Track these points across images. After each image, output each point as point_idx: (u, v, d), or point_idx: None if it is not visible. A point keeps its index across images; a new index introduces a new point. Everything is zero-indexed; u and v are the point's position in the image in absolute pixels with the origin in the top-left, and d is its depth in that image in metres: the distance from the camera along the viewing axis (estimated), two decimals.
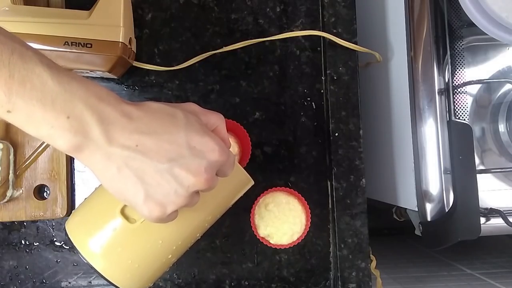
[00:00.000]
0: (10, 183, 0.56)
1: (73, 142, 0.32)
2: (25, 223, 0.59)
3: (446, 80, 0.58)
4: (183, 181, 0.35)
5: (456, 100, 0.58)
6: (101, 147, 0.33)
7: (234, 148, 0.56)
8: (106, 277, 0.40)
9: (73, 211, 0.43)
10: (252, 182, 0.45)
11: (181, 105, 0.38)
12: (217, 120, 0.41)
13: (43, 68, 0.31)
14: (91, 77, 0.59)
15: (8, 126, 0.57)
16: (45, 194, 0.58)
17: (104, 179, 0.34)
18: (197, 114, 0.39)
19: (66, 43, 0.51)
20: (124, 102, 0.35)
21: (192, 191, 0.36)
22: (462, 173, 0.55)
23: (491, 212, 0.56)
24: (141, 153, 0.34)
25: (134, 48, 0.57)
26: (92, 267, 0.39)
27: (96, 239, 0.40)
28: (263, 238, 0.55)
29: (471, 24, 0.53)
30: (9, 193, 0.55)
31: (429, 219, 0.58)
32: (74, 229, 0.41)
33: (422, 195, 0.58)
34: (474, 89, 0.60)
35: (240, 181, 0.45)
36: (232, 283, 0.60)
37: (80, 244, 0.40)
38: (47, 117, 0.31)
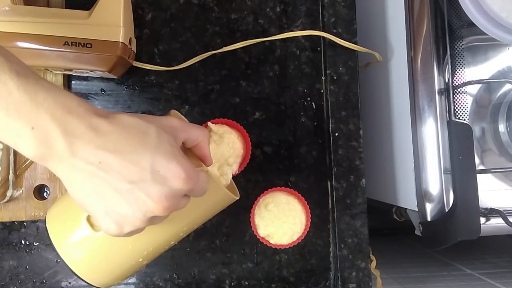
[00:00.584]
0: (10, 183, 0.56)
1: (38, 152, 0.32)
2: (25, 223, 0.59)
3: (446, 80, 0.58)
4: (142, 205, 0.34)
5: (456, 100, 0.58)
6: (65, 159, 0.32)
7: (237, 143, 0.55)
8: (74, 271, 0.40)
9: (56, 200, 0.44)
10: (236, 197, 0.44)
11: (159, 120, 0.37)
12: (199, 135, 0.40)
13: (11, 77, 0.31)
14: (91, 77, 0.59)
15: None
16: (45, 194, 0.58)
17: (69, 189, 0.34)
18: (175, 131, 0.37)
19: (66, 43, 0.51)
20: (96, 114, 0.33)
21: (150, 216, 0.34)
22: (462, 173, 0.55)
23: (491, 212, 0.56)
24: (103, 171, 0.33)
25: (134, 48, 0.57)
26: (62, 260, 0.40)
27: (67, 236, 0.41)
28: (263, 238, 0.55)
29: (471, 24, 0.53)
30: (9, 193, 0.55)
31: (429, 219, 0.58)
32: (51, 219, 0.42)
33: (422, 195, 0.58)
34: (474, 89, 0.60)
35: (221, 198, 0.43)
36: (232, 283, 0.60)
37: (53, 234, 0.41)
38: (12, 126, 0.31)
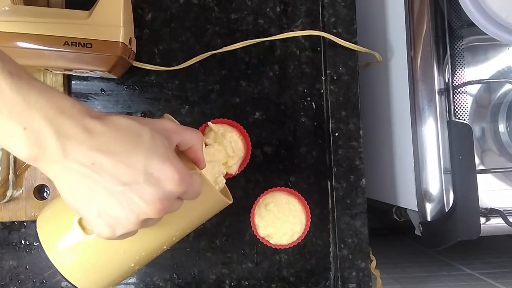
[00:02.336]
0: (10, 183, 0.56)
1: (30, 153, 0.32)
2: (25, 223, 0.59)
3: (446, 80, 0.58)
4: (135, 207, 0.33)
5: (456, 100, 0.58)
6: (57, 160, 0.32)
7: (238, 143, 0.55)
8: (65, 276, 0.40)
9: (47, 204, 0.44)
10: (229, 202, 0.44)
11: (153, 123, 0.36)
12: (192, 138, 0.39)
13: (3, 76, 0.31)
14: (91, 77, 0.59)
15: None
16: (45, 194, 0.58)
17: (61, 191, 0.34)
18: (168, 133, 0.37)
19: (66, 43, 0.51)
20: (89, 115, 0.33)
21: (143, 218, 0.34)
22: (462, 173, 0.55)
23: (491, 212, 0.56)
24: (96, 172, 0.32)
25: (134, 48, 0.57)
26: (53, 265, 0.39)
27: (58, 240, 0.40)
28: (263, 238, 0.55)
29: (471, 24, 0.53)
30: (9, 193, 0.55)
31: (429, 219, 0.58)
32: (42, 224, 0.41)
33: (422, 195, 0.58)
34: (474, 89, 0.60)
35: (215, 202, 0.43)
36: (232, 283, 0.60)
37: (45, 240, 0.40)
38: (4, 126, 0.31)
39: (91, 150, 0.32)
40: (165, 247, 0.44)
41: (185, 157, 0.41)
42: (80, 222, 0.39)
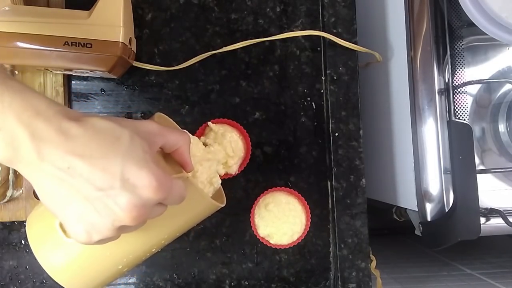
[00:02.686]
0: (10, 183, 0.56)
1: (4, 155, 0.31)
2: (25, 223, 0.58)
3: (446, 80, 0.58)
4: (110, 214, 0.32)
5: (456, 100, 0.58)
6: (32, 163, 0.31)
7: (238, 143, 0.55)
8: (53, 278, 0.39)
9: (38, 204, 0.43)
10: (221, 205, 0.43)
11: (135, 125, 0.35)
12: (178, 141, 0.38)
13: None
14: (91, 77, 0.59)
15: None
16: None
17: (39, 194, 0.33)
18: (151, 136, 0.35)
19: (66, 43, 0.51)
20: (66, 117, 0.32)
21: (118, 225, 0.33)
22: (462, 173, 0.55)
23: (491, 212, 0.56)
24: (72, 177, 0.31)
25: (134, 48, 0.57)
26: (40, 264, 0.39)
27: (44, 241, 0.40)
28: (263, 238, 0.55)
29: (471, 24, 0.53)
30: (9, 193, 0.55)
31: (429, 219, 0.58)
32: (30, 226, 0.41)
33: (422, 195, 0.58)
34: (474, 89, 0.60)
35: (204, 206, 0.42)
36: (232, 283, 0.60)
37: (32, 242, 0.40)
38: None
39: (66, 154, 0.31)
40: (154, 250, 0.43)
41: (172, 160, 0.40)
42: (61, 225, 0.38)
